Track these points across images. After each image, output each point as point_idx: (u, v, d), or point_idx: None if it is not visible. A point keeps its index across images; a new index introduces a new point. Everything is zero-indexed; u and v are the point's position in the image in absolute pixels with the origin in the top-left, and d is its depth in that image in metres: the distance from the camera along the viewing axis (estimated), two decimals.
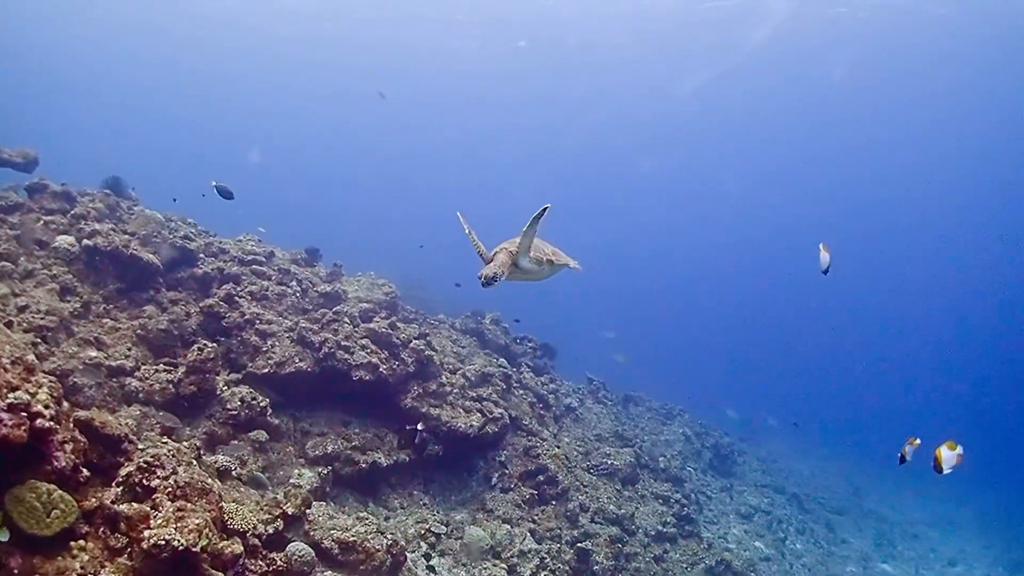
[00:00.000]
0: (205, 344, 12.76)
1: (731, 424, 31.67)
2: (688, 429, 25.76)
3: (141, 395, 11.99)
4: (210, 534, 7.55)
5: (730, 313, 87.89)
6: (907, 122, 49.24)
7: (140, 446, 8.53)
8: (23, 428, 6.64)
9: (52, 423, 7.10)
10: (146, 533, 6.99)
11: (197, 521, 7.39)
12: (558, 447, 17.79)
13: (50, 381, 7.71)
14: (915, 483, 32.51)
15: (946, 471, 8.36)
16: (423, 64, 46.95)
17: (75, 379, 11.14)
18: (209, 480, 8.44)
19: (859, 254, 80.00)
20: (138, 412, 11.60)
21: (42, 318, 12.00)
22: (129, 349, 12.83)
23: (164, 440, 8.57)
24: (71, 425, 7.80)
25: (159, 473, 7.84)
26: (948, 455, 8.29)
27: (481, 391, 16.93)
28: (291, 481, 12.46)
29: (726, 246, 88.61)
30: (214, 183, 14.51)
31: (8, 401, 6.63)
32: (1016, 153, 50.99)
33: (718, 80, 41.40)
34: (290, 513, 10.40)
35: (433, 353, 16.16)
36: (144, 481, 7.74)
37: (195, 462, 8.63)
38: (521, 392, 18.57)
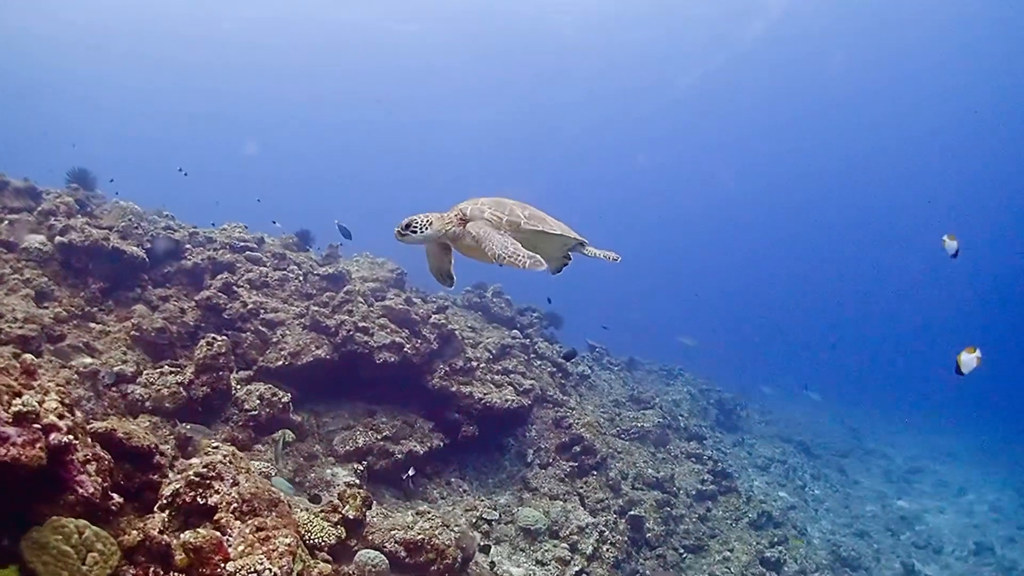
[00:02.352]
0: (214, 337, 10.54)
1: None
2: (692, 387, 24.59)
3: (148, 403, 9.82)
4: (303, 556, 5.51)
5: (725, 301, 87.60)
6: (905, 111, 47.93)
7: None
8: (39, 446, 4.47)
9: (70, 437, 4.95)
10: (229, 567, 4.91)
11: (286, 541, 5.33)
12: (589, 415, 15.79)
13: (57, 385, 5.48)
14: (909, 420, 31.88)
15: (965, 373, 8.71)
16: (411, 59, 43.97)
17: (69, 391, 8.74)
18: (273, 488, 6.26)
19: (852, 241, 79.99)
20: (147, 423, 9.39)
21: (20, 327, 9.78)
22: (124, 353, 10.66)
23: (213, 444, 6.24)
24: (89, 439, 5.52)
25: (217, 486, 5.71)
26: (968, 358, 8.68)
27: (505, 363, 15.00)
28: (343, 481, 10.45)
29: (721, 234, 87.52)
30: (336, 222, 14.14)
31: (14, 410, 4.46)
32: (1016, 143, 50.18)
33: (715, 74, 39.48)
34: (351, 517, 8.39)
35: (455, 328, 14.00)
36: (199, 499, 5.61)
37: (252, 468, 6.42)
38: (539, 363, 16.65)
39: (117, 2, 45.35)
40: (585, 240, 6.50)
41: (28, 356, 5.57)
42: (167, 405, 9.87)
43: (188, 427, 9.62)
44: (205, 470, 5.73)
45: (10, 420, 4.46)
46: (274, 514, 5.92)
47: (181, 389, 10.02)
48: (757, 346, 59.72)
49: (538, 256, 5.76)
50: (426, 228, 6.04)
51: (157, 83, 67.22)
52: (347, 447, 11.65)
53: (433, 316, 13.60)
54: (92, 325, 10.98)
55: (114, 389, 9.79)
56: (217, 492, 5.68)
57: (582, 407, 16.74)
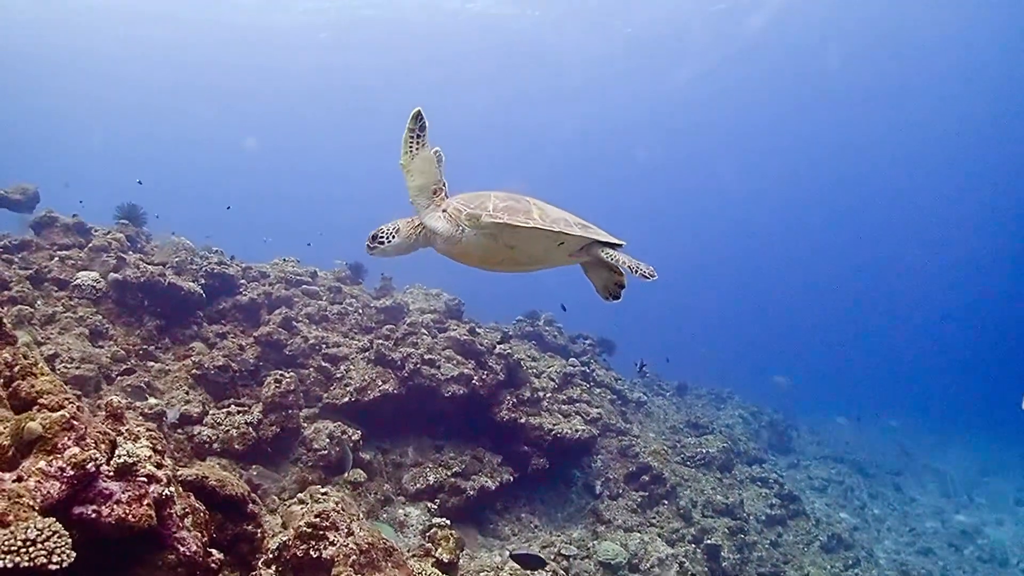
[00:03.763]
0: (282, 374, 9.75)
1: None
2: (743, 411, 23.54)
3: (215, 445, 9.04)
4: None
5: (726, 304, 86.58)
6: (904, 108, 46.61)
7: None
8: (145, 503, 3.65)
9: (171, 489, 4.08)
10: None
11: None
12: (654, 443, 14.91)
13: (148, 430, 4.66)
14: (959, 434, 30.79)
15: None
16: (411, 52, 42.78)
17: None
18: (386, 536, 5.38)
19: (854, 239, 78.64)
20: (216, 466, 8.44)
21: (77, 368, 9.00)
22: (187, 393, 9.79)
23: (322, 491, 5.37)
24: (180, 488, 4.66)
25: (332, 537, 4.92)
26: None
27: (569, 392, 14.14)
28: (419, 521, 9.87)
29: (721, 234, 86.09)
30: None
31: (119, 461, 3.60)
32: (1016, 140, 48.98)
33: (714, 70, 38.32)
34: (445, 560, 7.46)
35: (520, 357, 13.14)
36: (312, 552, 4.80)
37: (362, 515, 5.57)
38: (599, 391, 15.69)
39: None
40: (602, 239, 5.08)
41: (114, 399, 4.74)
42: (236, 446, 9.07)
43: (259, 470, 8.83)
44: (317, 520, 4.90)
45: (112, 474, 3.63)
46: (390, 564, 5.09)
47: (250, 429, 9.21)
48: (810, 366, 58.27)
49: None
50: (393, 236, 5.25)
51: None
52: (417, 485, 10.81)
53: (498, 346, 12.75)
54: (150, 364, 10.17)
55: (180, 431, 8.94)
56: (332, 544, 4.86)
57: (645, 435, 15.81)
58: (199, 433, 8.99)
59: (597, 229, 5.11)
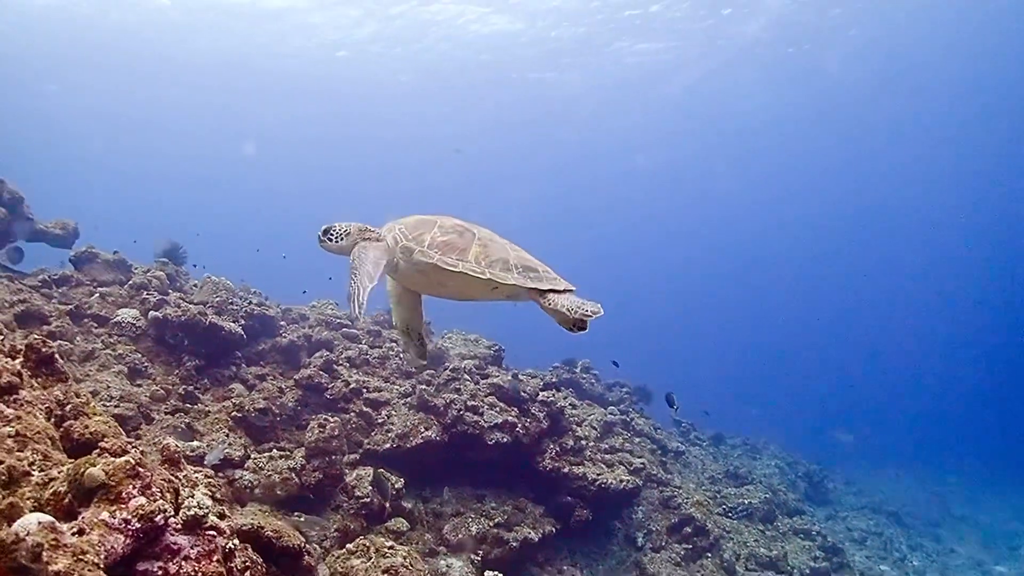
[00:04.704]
0: (326, 419, 9.40)
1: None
2: (779, 461, 22.89)
3: (257, 490, 8.63)
4: None
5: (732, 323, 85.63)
6: (905, 115, 45.43)
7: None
8: (215, 559, 3.26)
9: (235, 542, 3.69)
10: None
11: None
12: (697, 494, 14.44)
13: (206, 476, 4.29)
14: (994, 486, 29.96)
15: None
16: (403, 63, 42.15)
17: None
18: None
19: (857, 250, 77.50)
20: (256, 512, 8.12)
21: (116, 406, 8.69)
22: (227, 435, 9.40)
23: (388, 545, 4.96)
24: (236, 539, 4.26)
25: None
26: None
27: (611, 442, 13.69)
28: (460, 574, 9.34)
29: (722, 246, 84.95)
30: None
31: (188, 513, 3.21)
32: (1016, 147, 47.98)
33: (711, 75, 37.55)
34: None
35: (564, 405, 12.72)
36: None
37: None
38: (639, 440, 15.18)
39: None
40: (542, 287, 4.90)
41: (171, 442, 4.36)
42: (278, 492, 8.67)
43: (303, 518, 8.40)
44: None
45: (180, 526, 3.23)
46: None
47: (293, 475, 8.82)
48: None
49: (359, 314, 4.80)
50: (342, 239, 5.26)
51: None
52: (459, 535, 10.29)
53: (541, 394, 12.28)
54: (190, 404, 9.80)
55: (220, 474, 8.55)
56: None
57: (686, 485, 15.30)
58: (240, 477, 8.63)
59: (542, 273, 4.98)
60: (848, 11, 31.58)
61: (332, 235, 5.32)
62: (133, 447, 3.58)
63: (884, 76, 38.01)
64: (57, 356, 4.46)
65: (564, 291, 4.91)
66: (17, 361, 4.33)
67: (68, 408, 4.31)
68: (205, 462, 8.44)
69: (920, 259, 76.21)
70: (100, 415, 4.44)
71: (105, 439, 4.02)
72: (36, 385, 4.26)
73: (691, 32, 33.89)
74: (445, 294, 5.33)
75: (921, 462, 35.02)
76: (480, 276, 4.79)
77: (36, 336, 4.41)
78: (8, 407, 3.77)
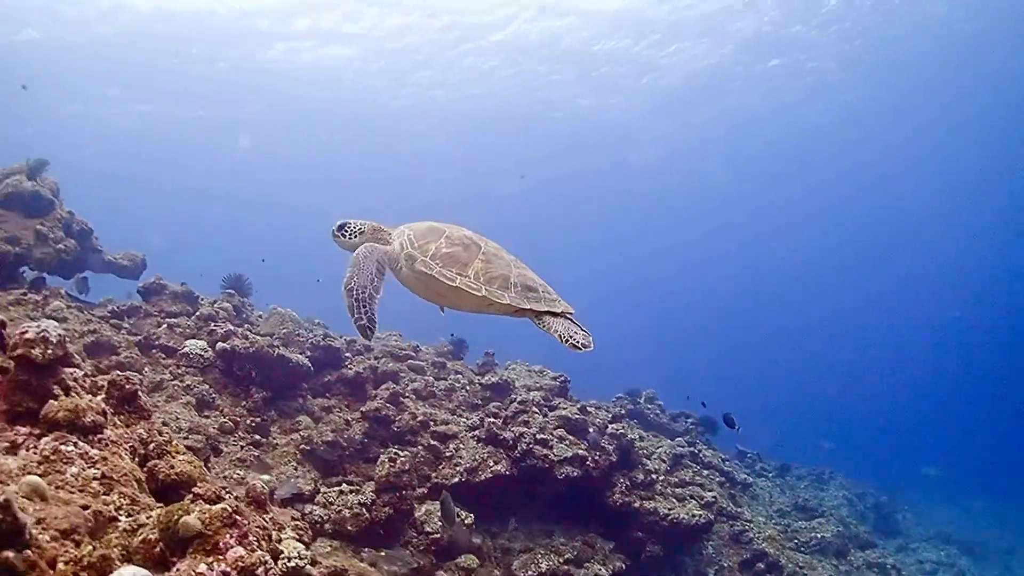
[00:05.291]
0: (396, 453, 9.18)
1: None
2: (847, 491, 22.09)
3: (327, 525, 8.40)
4: None
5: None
6: (901, 119, 43.83)
7: None
8: None
9: None
10: None
11: None
12: (768, 528, 13.97)
13: (292, 519, 4.09)
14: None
15: None
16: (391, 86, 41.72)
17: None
18: None
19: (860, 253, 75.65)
20: (327, 547, 7.95)
21: (185, 438, 8.50)
22: (295, 468, 9.26)
23: None
24: None
25: None
26: None
27: (681, 475, 13.27)
28: None
29: (722, 249, 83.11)
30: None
31: (288, 565, 3.02)
32: (1012, 150, 46.12)
33: (705, 72, 36.58)
34: None
35: (633, 437, 12.37)
36: None
37: None
38: (707, 472, 14.72)
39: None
40: (538, 308, 4.97)
41: (257, 483, 4.17)
42: (349, 528, 8.45)
43: (384, 552, 8.18)
44: None
45: None
46: None
47: (363, 510, 8.59)
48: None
49: (366, 321, 4.94)
50: (356, 236, 5.47)
51: None
52: (529, 572, 9.97)
53: (610, 426, 11.96)
54: (258, 437, 9.62)
55: (290, 507, 8.34)
56: None
57: (756, 519, 14.81)
58: (311, 512, 8.43)
59: (541, 293, 5.04)
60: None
61: (347, 231, 5.51)
62: (227, 492, 3.36)
63: (878, 76, 36.77)
64: (140, 393, 4.27)
65: (561, 314, 4.98)
66: (99, 398, 4.15)
67: (152, 447, 4.12)
68: (276, 496, 8.25)
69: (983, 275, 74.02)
70: (184, 454, 4.25)
71: (192, 480, 3.82)
72: (119, 423, 4.06)
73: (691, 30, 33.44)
74: (444, 304, 5.43)
75: (986, 489, 33.76)
76: (476, 293, 4.87)
77: (119, 373, 4.22)
78: (93, 447, 3.58)
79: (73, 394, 3.90)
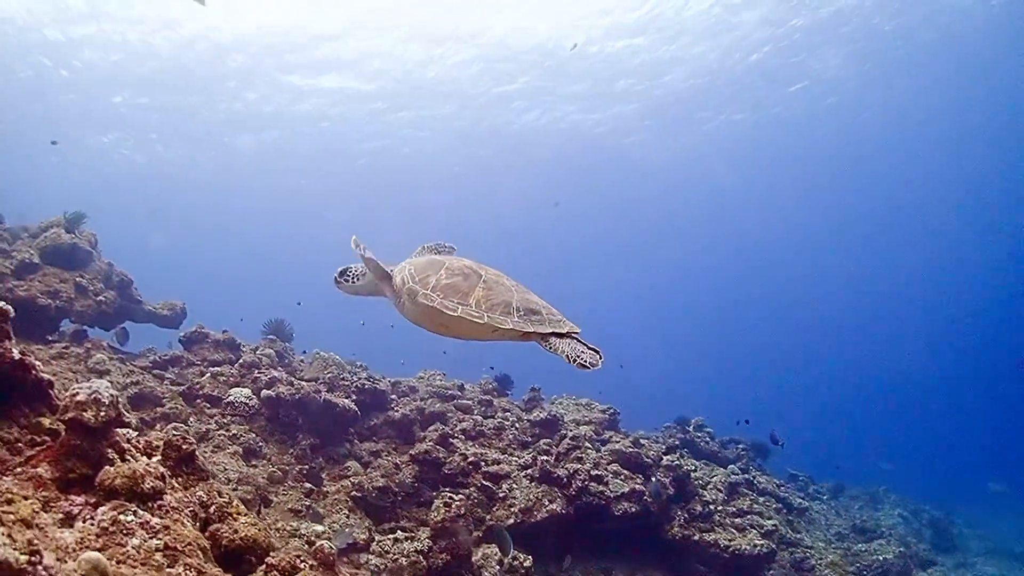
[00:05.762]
0: (451, 497, 8.85)
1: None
2: (902, 509, 21.38)
3: (384, 574, 7.96)
4: None
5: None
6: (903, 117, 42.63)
7: None
8: None
9: None
10: None
11: None
12: (829, 553, 13.55)
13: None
14: None
15: None
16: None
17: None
18: None
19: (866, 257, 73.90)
20: None
21: (234, 489, 8.22)
22: (347, 516, 8.99)
23: None
24: None
25: None
26: None
27: (738, 504, 12.76)
28: None
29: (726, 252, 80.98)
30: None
31: None
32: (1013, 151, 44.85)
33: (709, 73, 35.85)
34: None
35: (690, 469, 11.97)
36: None
37: None
38: (763, 499, 14.21)
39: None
40: (543, 331, 4.93)
41: (325, 544, 3.88)
42: None
43: None
44: None
45: None
46: None
47: (420, 558, 8.28)
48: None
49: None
50: (359, 279, 5.77)
51: None
52: None
53: (665, 458, 11.61)
54: (308, 484, 9.36)
55: (344, 558, 8.05)
56: None
57: (816, 544, 14.33)
58: (367, 562, 8.17)
59: (545, 316, 5.01)
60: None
61: (348, 276, 5.82)
62: (301, 560, 3.07)
63: (882, 76, 35.97)
64: (197, 452, 4.00)
65: (567, 334, 4.93)
66: (156, 459, 3.89)
67: (212, 509, 3.85)
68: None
69: None
70: (246, 515, 3.97)
71: (256, 543, 3.55)
72: (177, 486, 3.79)
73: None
74: (449, 335, 5.40)
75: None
76: (478, 321, 4.87)
77: (174, 432, 3.96)
78: (154, 515, 3.31)
79: (128, 457, 3.65)
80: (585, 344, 4.96)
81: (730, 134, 40.47)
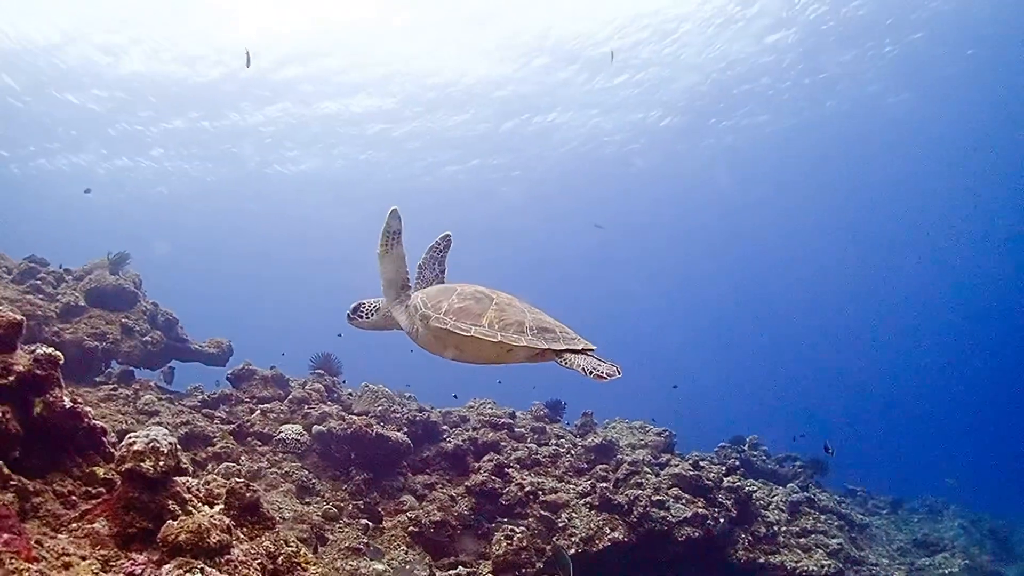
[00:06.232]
0: (512, 530, 8.58)
1: None
2: (962, 520, 20.65)
3: None
4: None
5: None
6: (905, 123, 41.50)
7: None
8: None
9: None
10: None
11: None
12: (895, 570, 13.10)
13: None
14: None
15: None
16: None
17: None
18: None
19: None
20: None
21: (290, 528, 7.88)
22: (406, 552, 8.69)
23: None
24: None
25: None
26: None
27: (801, 523, 12.33)
28: None
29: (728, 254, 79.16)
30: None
31: None
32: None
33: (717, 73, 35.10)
34: None
35: (752, 489, 11.57)
36: None
37: None
38: (825, 517, 13.74)
39: None
40: (557, 348, 4.89)
41: None
42: None
43: None
44: None
45: None
46: None
47: None
48: None
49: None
50: (372, 314, 5.81)
51: None
52: None
53: (725, 480, 11.21)
54: (364, 521, 9.07)
55: None
56: None
57: (880, 561, 13.83)
58: None
59: (559, 333, 5.00)
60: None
61: (361, 312, 5.84)
62: None
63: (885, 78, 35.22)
64: (262, 500, 3.73)
65: (582, 351, 4.92)
66: (218, 508, 3.61)
67: (280, 560, 3.57)
68: None
69: None
70: (315, 564, 3.69)
71: None
72: (243, 536, 3.52)
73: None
74: (465, 359, 5.41)
75: None
76: (491, 340, 4.89)
77: (237, 480, 3.70)
78: (222, 571, 3.03)
79: (190, 508, 3.38)
80: (600, 359, 4.91)
81: (772, 140, 39.94)
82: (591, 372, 4.72)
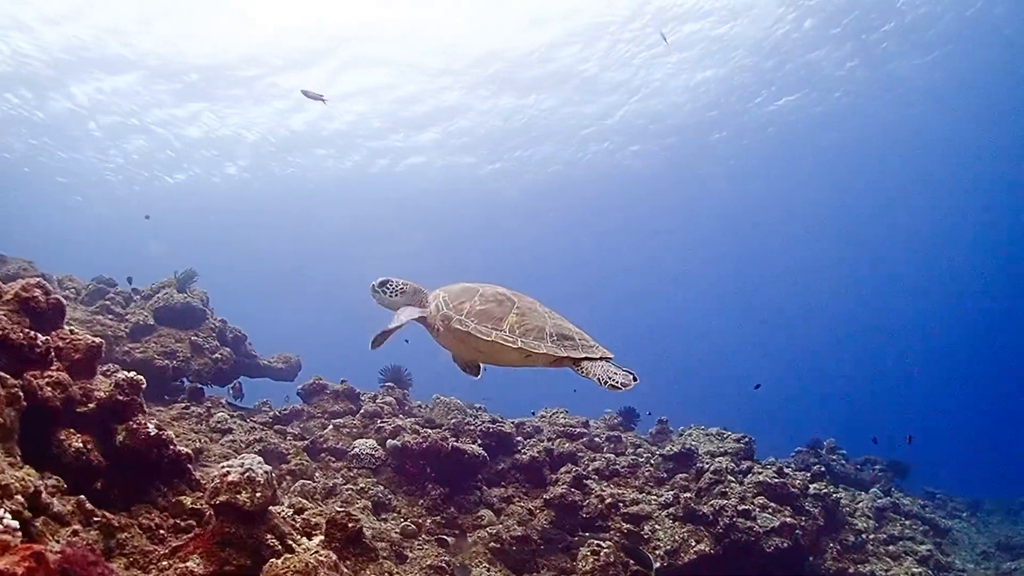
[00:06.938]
0: (599, 545, 8.16)
1: None
2: None
3: None
4: None
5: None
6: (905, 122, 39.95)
7: None
8: None
9: None
10: None
11: None
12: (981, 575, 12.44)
13: None
14: None
15: None
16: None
17: None
18: None
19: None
20: None
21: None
22: (487, 570, 8.26)
23: None
24: None
25: None
26: None
27: (890, 530, 11.83)
28: None
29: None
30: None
31: None
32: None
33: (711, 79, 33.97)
34: None
35: (839, 496, 11.02)
36: None
37: None
38: (910, 522, 13.15)
39: None
40: (576, 356, 4.90)
41: None
42: None
43: None
44: None
45: None
46: None
47: None
48: None
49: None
50: (398, 295, 5.64)
51: None
52: None
53: (812, 487, 10.68)
54: (444, 538, 8.71)
55: None
56: None
57: (967, 567, 13.19)
58: None
59: (578, 341, 4.98)
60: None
61: (388, 289, 5.68)
62: None
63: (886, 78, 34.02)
64: (364, 530, 3.35)
65: (600, 359, 4.91)
66: (317, 540, 3.24)
67: None
68: None
69: None
70: None
71: None
72: (347, 571, 3.14)
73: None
74: (483, 360, 5.55)
75: None
76: (511, 345, 4.88)
77: (339, 510, 3.35)
78: None
79: (290, 542, 3.01)
80: (617, 367, 4.91)
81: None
82: (605, 382, 4.75)
